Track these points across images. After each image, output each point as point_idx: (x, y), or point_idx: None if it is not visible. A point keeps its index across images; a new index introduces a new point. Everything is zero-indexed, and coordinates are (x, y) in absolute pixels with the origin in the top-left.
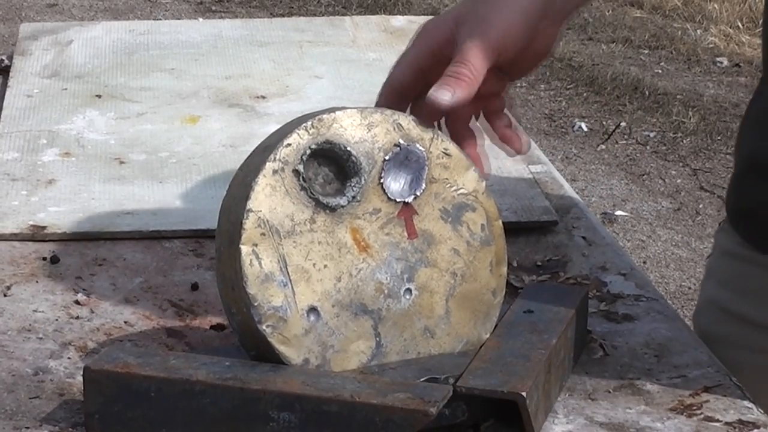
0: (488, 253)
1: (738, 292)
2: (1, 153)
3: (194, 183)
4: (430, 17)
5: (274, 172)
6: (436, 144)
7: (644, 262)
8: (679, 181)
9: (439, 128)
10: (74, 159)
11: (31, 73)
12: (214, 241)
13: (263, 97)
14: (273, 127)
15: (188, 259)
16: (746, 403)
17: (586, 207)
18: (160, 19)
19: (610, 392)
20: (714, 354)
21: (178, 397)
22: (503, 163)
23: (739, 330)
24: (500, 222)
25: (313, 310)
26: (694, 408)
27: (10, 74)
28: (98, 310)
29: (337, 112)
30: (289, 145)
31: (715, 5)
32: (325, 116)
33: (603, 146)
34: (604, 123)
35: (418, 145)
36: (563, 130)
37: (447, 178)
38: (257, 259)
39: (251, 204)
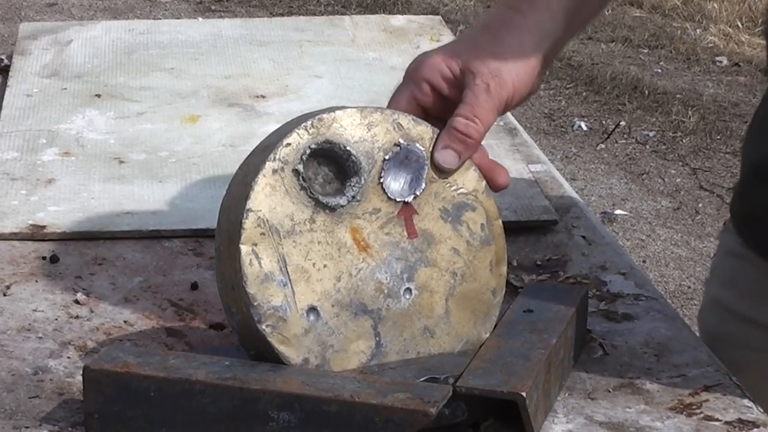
0: (488, 252)
1: (742, 292)
2: (0, 152)
3: (194, 182)
4: (430, 17)
5: (274, 171)
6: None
7: (644, 262)
8: (678, 180)
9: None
10: (74, 158)
11: (31, 72)
12: (213, 241)
13: (263, 97)
14: (272, 127)
15: (188, 259)
16: (746, 402)
17: (586, 206)
18: (160, 19)
19: (609, 392)
20: (718, 354)
21: (178, 396)
22: (502, 163)
23: (743, 330)
24: (500, 221)
25: (312, 309)
26: (694, 407)
27: (10, 74)
28: (98, 309)
29: (337, 112)
30: (289, 144)
31: (715, 5)
32: (324, 116)
33: (602, 145)
34: (604, 122)
35: (417, 145)
36: (563, 129)
37: (447, 178)
38: (257, 259)
39: (251, 204)
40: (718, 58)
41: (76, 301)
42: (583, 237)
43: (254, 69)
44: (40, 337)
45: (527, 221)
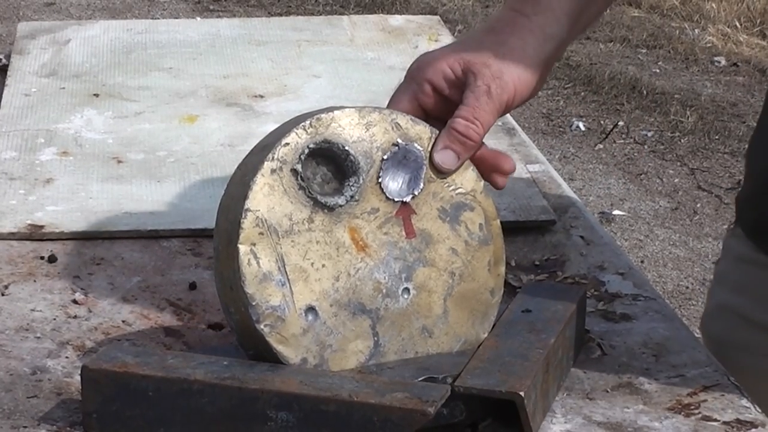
0: (486, 252)
1: (756, 298)
2: None
3: (192, 182)
4: (428, 16)
5: (273, 171)
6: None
7: (642, 262)
8: (676, 180)
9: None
10: (72, 158)
11: (29, 72)
12: (212, 241)
13: (261, 97)
14: (271, 127)
15: (186, 259)
16: (744, 402)
17: (584, 206)
18: (158, 18)
19: (608, 392)
20: (727, 361)
21: (176, 396)
22: None
23: (756, 336)
24: (498, 221)
25: (311, 309)
26: (692, 407)
27: (8, 73)
28: (96, 309)
29: (336, 112)
30: (288, 144)
31: (713, 5)
32: (323, 115)
33: (601, 145)
34: (602, 122)
35: (416, 145)
36: (561, 129)
37: (445, 178)
38: (255, 259)
39: (249, 203)
40: (716, 58)
41: (75, 301)
42: (582, 237)
43: (252, 69)
44: (39, 337)
45: (525, 221)
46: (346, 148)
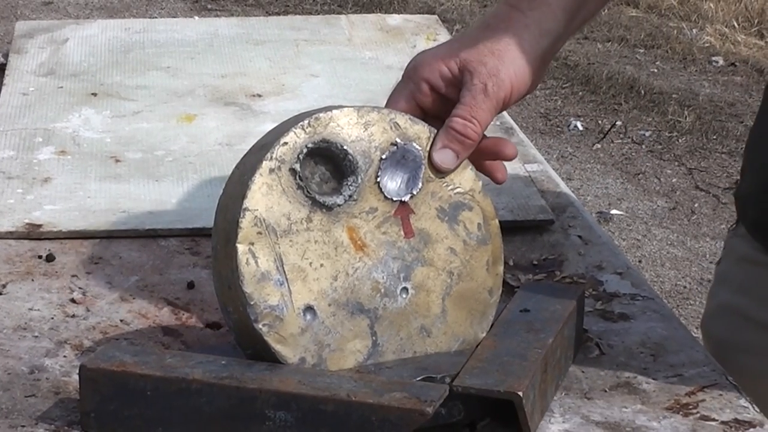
0: (485, 252)
1: (759, 298)
2: None
3: (190, 181)
4: (426, 16)
5: (271, 170)
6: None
7: (640, 261)
8: (674, 180)
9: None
10: (70, 157)
11: (27, 71)
12: (210, 240)
13: (259, 96)
14: (269, 126)
15: (184, 258)
16: (742, 402)
17: (582, 206)
18: (156, 18)
19: (606, 391)
20: (729, 362)
21: (175, 395)
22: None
23: (759, 337)
24: (497, 221)
25: (309, 309)
26: (690, 407)
27: (6, 72)
28: (94, 308)
29: (334, 111)
30: (286, 143)
31: (711, 4)
32: (321, 115)
33: (598, 145)
34: (600, 122)
35: (414, 144)
36: (559, 129)
37: (444, 178)
38: (253, 258)
39: (248, 203)
40: (714, 58)
41: (73, 300)
42: (580, 237)
43: (250, 68)
44: (37, 336)
45: (524, 221)
46: (345, 147)
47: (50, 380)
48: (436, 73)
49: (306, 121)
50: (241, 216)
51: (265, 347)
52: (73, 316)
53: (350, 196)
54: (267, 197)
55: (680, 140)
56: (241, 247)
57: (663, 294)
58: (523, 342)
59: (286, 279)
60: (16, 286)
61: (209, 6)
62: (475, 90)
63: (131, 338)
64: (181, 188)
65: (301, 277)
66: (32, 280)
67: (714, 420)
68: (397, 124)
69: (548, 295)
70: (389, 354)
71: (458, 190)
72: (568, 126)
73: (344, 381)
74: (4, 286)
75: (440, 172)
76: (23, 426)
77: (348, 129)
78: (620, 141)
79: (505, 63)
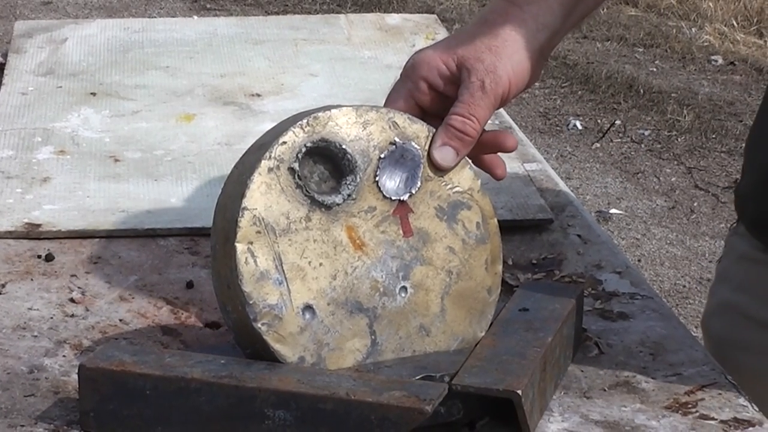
0: (484, 251)
1: (759, 296)
2: None
3: (189, 181)
4: (425, 15)
5: (270, 170)
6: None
7: (639, 261)
8: (673, 179)
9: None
10: (69, 157)
11: (26, 70)
12: (209, 239)
13: (258, 95)
14: (268, 125)
15: (183, 257)
16: (741, 401)
17: (581, 205)
18: (155, 17)
19: (605, 390)
20: (729, 360)
21: (174, 395)
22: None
23: (759, 335)
24: (495, 220)
25: (308, 308)
26: (690, 406)
27: (5, 72)
28: (93, 308)
29: (333, 110)
30: (285, 143)
31: (710, 3)
32: (320, 114)
33: (598, 144)
34: (599, 121)
35: (413, 143)
36: (558, 128)
37: (442, 176)
38: (252, 257)
39: (247, 202)
40: (713, 57)
41: (72, 300)
42: (579, 236)
43: (249, 67)
44: (36, 336)
45: (523, 220)
46: (344, 146)
47: (49, 380)
48: (434, 72)
49: (305, 121)
50: (240, 215)
51: (264, 346)
52: (73, 315)
53: (349, 195)
54: (266, 196)
55: (679, 139)
56: (240, 247)
57: (662, 293)
58: (522, 341)
59: (285, 278)
60: (15, 286)
61: (208, 5)
62: (473, 87)
63: (130, 338)
64: (181, 188)
65: (300, 276)
66: (31, 279)
67: (713, 419)
68: (396, 123)
69: (547, 294)
70: (388, 353)
71: (457, 189)
72: (568, 125)
73: (343, 380)
74: (3, 286)
75: (439, 170)
76: (22, 425)
77: (347, 128)
78: (619, 140)
79: (503, 59)
